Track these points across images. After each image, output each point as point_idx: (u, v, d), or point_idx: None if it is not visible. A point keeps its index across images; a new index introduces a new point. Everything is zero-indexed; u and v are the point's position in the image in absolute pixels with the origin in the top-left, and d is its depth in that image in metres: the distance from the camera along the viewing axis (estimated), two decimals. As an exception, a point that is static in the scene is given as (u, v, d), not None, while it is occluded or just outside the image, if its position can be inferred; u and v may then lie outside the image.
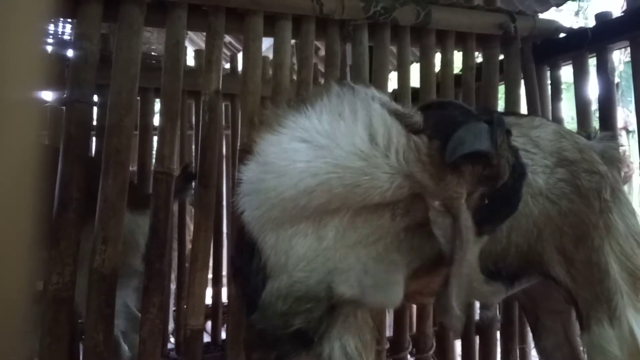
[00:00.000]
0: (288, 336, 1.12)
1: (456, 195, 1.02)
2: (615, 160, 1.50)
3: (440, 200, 1.01)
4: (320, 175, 0.99)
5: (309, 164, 1.00)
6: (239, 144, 1.82)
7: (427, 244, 1.11)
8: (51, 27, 2.60)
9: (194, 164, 2.27)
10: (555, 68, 2.21)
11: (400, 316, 2.09)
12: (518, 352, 2.17)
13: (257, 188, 1.07)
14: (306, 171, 1.00)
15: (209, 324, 2.59)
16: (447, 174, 1.01)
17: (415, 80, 2.05)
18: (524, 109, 2.15)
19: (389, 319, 2.20)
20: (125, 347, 2.11)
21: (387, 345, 1.98)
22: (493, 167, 1.04)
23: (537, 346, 1.72)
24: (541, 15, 2.40)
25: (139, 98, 2.27)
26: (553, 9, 2.38)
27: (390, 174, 1.00)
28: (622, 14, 2.00)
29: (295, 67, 1.97)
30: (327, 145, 1.01)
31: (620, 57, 7.50)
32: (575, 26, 2.30)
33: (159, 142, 1.63)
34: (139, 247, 1.91)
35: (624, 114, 7.21)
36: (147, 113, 2.43)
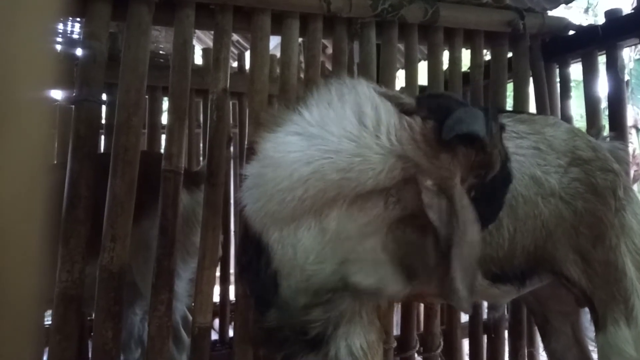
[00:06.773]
0: (300, 336, 1.12)
1: (449, 174, 1.00)
2: (622, 160, 1.49)
3: (433, 179, 1.00)
4: (313, 163, 1.00)
5: (302, 153, 1.02)
6: (246, 142, 1.83)
7: (419, 239, 1.10)
8: (60, 26, 2.62)
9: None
10: (564, 66, 2.19)
11: (407, 315, 2.09)
12: (526, 353, 2.15)
13: (256, 182, 1.08)
14: (299, 160, 1.01)
15: (216, 322, 2.60)
16: (441, 152, 1.00)
17: (423, 78, 2.04)
18: (532, 107, 2.14)
19: (397, 317, 2.20)
20: (184, 335, 2.05)
21: (395, 344, 1.98)
22: (486, 154, 1.03)
23: (546, 349, 1.70)
24: (550, 13, 2.38)
25: (147, 97, 2.29)
26: (562, 6, 2.36)
27: (382, 155, 1.00)
28: (632, 11, 1.99)
29: (303, 65, 1.97)
30: (318, 133, 1.02)
31: (630, 55, 7.43)
32: (585, 23, 2.29)
33: (167, 140, 1.64)
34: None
35: (633, 112, 7.15)
36: (155, 112, 2.44)
